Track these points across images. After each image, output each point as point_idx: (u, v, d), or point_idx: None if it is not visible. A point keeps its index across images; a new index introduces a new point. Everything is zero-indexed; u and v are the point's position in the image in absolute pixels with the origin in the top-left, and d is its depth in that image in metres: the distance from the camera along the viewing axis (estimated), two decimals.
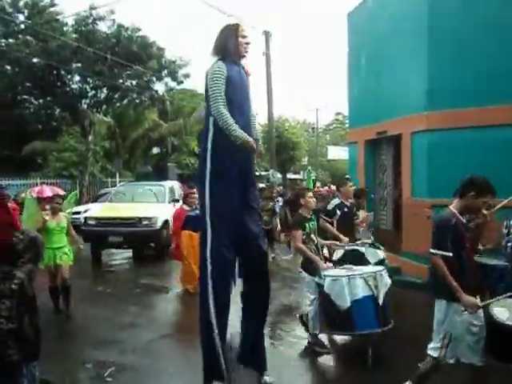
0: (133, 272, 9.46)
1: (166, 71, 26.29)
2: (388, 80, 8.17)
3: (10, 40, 22.04)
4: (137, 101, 26.67)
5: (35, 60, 22.04)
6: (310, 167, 21.25)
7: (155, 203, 10.66)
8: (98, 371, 4.17)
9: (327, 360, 4.49)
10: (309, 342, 4.60)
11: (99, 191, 19.42)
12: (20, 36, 22.00)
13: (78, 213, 15.95)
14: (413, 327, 4.77)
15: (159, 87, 28.07)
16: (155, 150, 28.24)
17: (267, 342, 5.04)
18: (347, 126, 13.09)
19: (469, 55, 6.74)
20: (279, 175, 26.09)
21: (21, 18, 22.89)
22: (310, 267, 4.53)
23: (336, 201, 5.88)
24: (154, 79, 26.26)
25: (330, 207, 5.88)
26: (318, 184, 22.09)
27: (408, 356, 3.77)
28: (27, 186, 16.21)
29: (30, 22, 22.08)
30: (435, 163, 7.01)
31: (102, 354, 4.57)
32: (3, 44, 21.68)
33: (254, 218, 3.69)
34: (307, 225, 4.60)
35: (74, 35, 22.53)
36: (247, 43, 3.61)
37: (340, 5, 20.74)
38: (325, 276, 4.22)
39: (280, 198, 13.29)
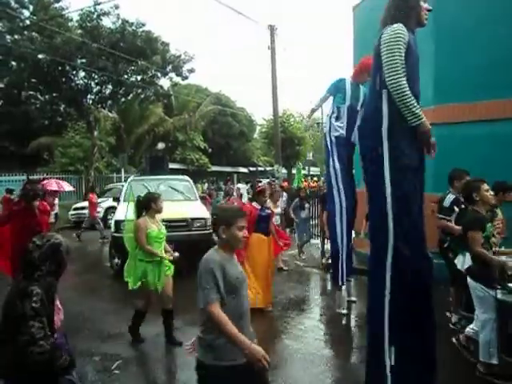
0: None
1: (170, 66, 26.26)
2: None
3: (16, 36, 22.08)
4: (141, 96, 26.70)
5: (40, 56, 22.07)
6: (299, 163, 20.67)
7: (189, 201, 9.12)
8: (105, 364, 4.21)
9: (334, 353, 4.51)
10: (479, 371, 3.69)
11: (104, 186, 19.53)
12: (25, 32, 22.02)
13: (83, 208, 16.11)
14: None
15: (164, 82, 28.10)
16: (160, 146, 28.31)
17: (273, 335, 5.08)
18: None
19: (476, 48, 6.68)
20: (284, 170, 26.07)
21: (26, 13, 22.91)
22: (489, 279, 3.62)
23: (451, 196, 5.05)
24: (159, 74, 26.24)
25: (446, 204, 5.04)
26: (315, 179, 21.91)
27: None
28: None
29: (34, 17, 22.09)
30: (442, 157, 6.95)
31: (110, 347, 4.62)
32: (8, 40, 21.72)
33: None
34: (487, 225, 3.78)
35: (79, 31, 22.54)
36: (428, 10, 3.02)
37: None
38: None
39: (284, 194, 13.20)
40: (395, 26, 2.83)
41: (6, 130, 21.59)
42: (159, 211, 4.63)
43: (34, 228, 5.20)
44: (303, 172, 38.96)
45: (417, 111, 2.73)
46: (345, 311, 5.66)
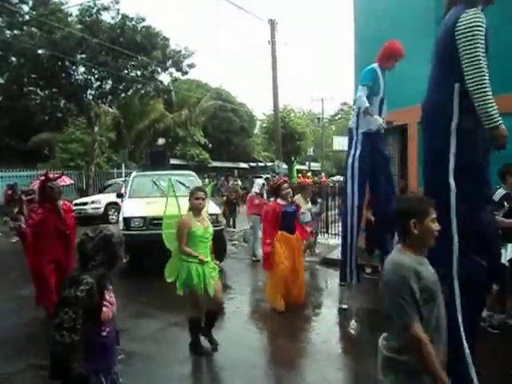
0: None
1: (170, 61, 26.20)
2: (395, 69, 8.08)
3: (15, 31, 22.03)
4: (142, 91, 26.66)
5: (40, 51, 22.04)
6: (292, 158, 20.29)
7: None
8: None
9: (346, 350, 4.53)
10: None
11: (105, 182, 19.54)
12: (24, 27, 21.97)
13: (85, 203, 16.13)
14: None
15: (164, 78, 28.04)
16: (160, 141, 28.30)
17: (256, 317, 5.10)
18: None
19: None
20: (285, 166, 26.08)
21: (25, 8, 22.85)
22: None
23: (501, 191, 4.87)
24: (159, 70, 26.20)
25: (495, 198, 4.83)
26: (322, 174, 21.89)
27: None
28: (33, 177, 16.31)
29: (34, 12, 22.02)
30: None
31: None
32: (8, 35, 21.67)
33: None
34: None
35: (79, 26, 22.48)
36: None
37: None
38: None
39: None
40: (473, 13, 2.59)
41: (6, 125, 21.58)
42: (195, 208, 4.14)
43: (64, 231, 4.91)
44: (303, 167, 39.06)
45: (495, 114, 2.61)
46: (346, 306, 5.64)
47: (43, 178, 4.95)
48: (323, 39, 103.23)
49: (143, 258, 7.73)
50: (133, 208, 7.81)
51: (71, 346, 2.02)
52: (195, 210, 4.12)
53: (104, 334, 2.23)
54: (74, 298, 2.06)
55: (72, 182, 17.80)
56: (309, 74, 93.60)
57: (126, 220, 7.51)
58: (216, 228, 7.38)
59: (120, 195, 9.70)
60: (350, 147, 5.28)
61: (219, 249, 7.67)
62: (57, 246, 4.85)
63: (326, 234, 11.28)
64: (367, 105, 5.00)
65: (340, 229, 7.26)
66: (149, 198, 8.13)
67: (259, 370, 3.95)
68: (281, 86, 18.77)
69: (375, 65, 5.36)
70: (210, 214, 7.46)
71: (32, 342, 4.62)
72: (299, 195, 7.51)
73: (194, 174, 9.88)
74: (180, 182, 8.77)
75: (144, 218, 7.38)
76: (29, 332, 4.89)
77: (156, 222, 7.20)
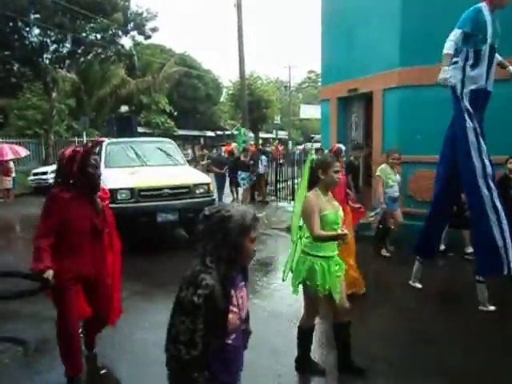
0: None
1: (132, 24, 25.03)
2: (361, 37, 8.05)
3: None
4: (102, 56, 25.44)
5: None
6: (239, 125, 18.95)
7: (180, 166, 8.34)
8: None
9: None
10: None
11: None
12: None
13: (45, 173, 15.54)
14: None
15: (126, 42, 26.85)
16: (123, 108, 27.37)
17: None
18: (319, 84, 12.93)
19: (441, 12, 6.66)
20: (251, 134, 25.91)
21: None
22: None
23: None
24: (120, 33, 25.00)
25: None
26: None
27: None
28: None
29: None
30: (407, 120, 7.08)
31: None
32: None
33: None
34: None
35: None
36: None
37: None
38: None
39: (264, 157, 12.85)
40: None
41: None
42: (331, 184, 3.17)
43: (101, 232, 3.28)
44: (270, 135, 38.94)
45: None
46: (419, 285, 5.07)
47: (81, 151, 3.05)
48: (291, 5, 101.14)
49: (130, 232, 6.47)
50: (117, 179, 7.08)
51: (190, 364, 1.64)
52: (330, 185, 3.17)
53: (229, 341, 1.78)
54: (190, 303, 1.63)
55: (28, 153, 17.02)
56: (276, 41, 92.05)
57: (111, 192, 6.91)
58: (208, 198, 7.32)
59: None
60: (457, 111, 4.44)
61: None
62: (89, 254, 3.17)
63: (292, 202, 11.41)
64: (448, 51, 4.28)
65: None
66: (130, 168, 7.59)
67: None
68: (247, 52, 18.35)
69: (482, 4, 4.28)
70: (202, 184, 7.42)
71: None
72: (385, 165, 6.33)
73: (172, 141, 9.27)
74: (161, 150, 8.50)
75: (131, 190, 6.82)
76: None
77: (144, 193, 6.91)
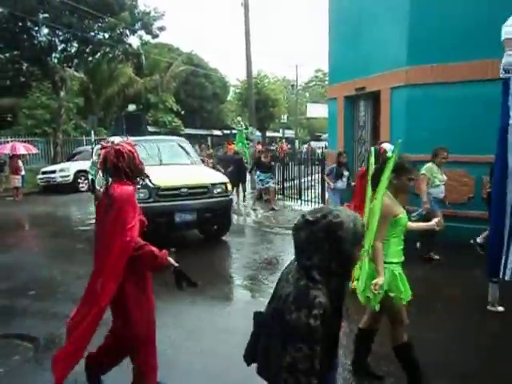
0: None
1: (139, 23, 25.10)
2: (368, 36, 8.03)
3: None
4: (110, 55, 25.55)
5: None
6: (239, 119, 18.24)
7: (196, 165, 8.20)
8: None
9: None
10: None
11: (74, 149, 18.99)
12: None
13: (53, 172, 15.68)
14: None
15: (133, 41, 26.95)
16: (131, 107, 27.48)
17: (249, 293, 5.19)
18: (327, 83, 12.90)
19: (449, 11, 6.64)
20: (258, 133, 25.91)
21: None
22: None
23: None
24: (128, 32, 25.09)
25: None
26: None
27: None
28: None
29: None
30: (414, 119, 7.05)
31: None
32: None
33: None
34: None
35: None
36: None
37: None
38: None
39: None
40: None
41: None
42: (402, 190, 3.04)
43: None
44: (277, 135, 38.88)
45: None
46: (501, 309, 4.39)
47: (130, 147, 2.82)
48: (298, 4, 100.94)
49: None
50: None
51: None
52: (399, 191, 3.02)
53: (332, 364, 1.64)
54: (305, 327, 1.42)
55: (37, 151, 17.31)
56: (283, 40, 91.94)
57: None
58: (226, 198, 7.31)
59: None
60: (503, 104, 3.99)
61: (227, 222, 7.63)
62: None
63: (299, 201, 11.42)
64: (507, 35, 3.86)
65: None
66: (146, 167, 7.41)
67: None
68: (254, 51, 18.33)
69: None
70: (219, 184, 7.32)
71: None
72: (431, 164, 5.99)
73: (185, 140, 9.14)
74: (175, 148, 8.25)
75: (149, 189, 6.58)
76: None
77: (162, 193, 6.73)
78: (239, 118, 17.97)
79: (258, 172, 10.94)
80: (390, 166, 2.88)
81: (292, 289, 1.49)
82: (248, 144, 14.70)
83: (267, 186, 10.84)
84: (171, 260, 2.63)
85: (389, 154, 4.59)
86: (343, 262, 1.48)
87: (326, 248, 1.46)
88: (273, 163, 11.41)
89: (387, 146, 5.42)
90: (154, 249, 2.61)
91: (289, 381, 1.44)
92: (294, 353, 1.43)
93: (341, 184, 7.92)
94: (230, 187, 7.65)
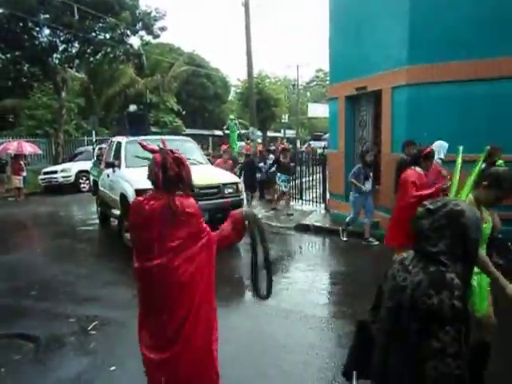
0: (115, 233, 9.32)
1: (140, 24, 25.11)
2: (369, 35, 8.02)
3: None
4: (111, 55, 25.58)
5: None
6: (232, 117, 17.79)
7: (204, 165, 8.11)
8: (82, 325, 4.23)
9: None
10: None
11: (75, 150, 19.03)
12: None
13: (55, 172, 15.70)
14: None
15: (134, 41, 26.97)
16: (132, 108, 27.52)
17: (249, 293, 5.19)
18: (328, 83, 12.88)
19: (449, 9, 6.63)
20: (259, 133, 25.90)
21: None
22: None
23: None
24: (129, 32, 25.10)
25: None
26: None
27: None
28: None
29: None
30: (415, 118, 7.04)
31: (86, 310, 4.63)
32: None
33: None
34: None
35: None
36: None
37: None
38: None
39: (272, 156, 12.70)
40: None
41: None
42: (485, 203, 2.77)
43: None
44: (278, 134, 38.89)
45: None
46: None
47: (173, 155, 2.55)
48: (299, 3, 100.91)
49: None
50: (142, 179, 6.65)
51: (462, 380, 1.41)
52: (482, 203, 2.75)
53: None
54: (451, 309, 1.41)
55: (40, 151, 17.39)
56: (284, 40, 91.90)
57: (140, 193, 6.39)
58: (237, 198, 7.21)
59: (111, 164, 7.91)
60: None
61: None
62: None
63: (300, 201, 11.42)
64: None
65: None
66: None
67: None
68: (255, 51, 18.31)
69: None
70: (230, 184, 7.24)
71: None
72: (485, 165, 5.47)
73: (191, 140, 9.02)
74: (182, 148, 7.82)
75: None
76: None
77: None
78: (232, 116, 17.84)
79: (278, 174, 10.59)
80: (477, 169, 2.82)
81: (422, 276, 1.50)
82: (249, 143, 14.68)
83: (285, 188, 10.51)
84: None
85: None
86: (468, 247, 1.52)
87: (450, 234, 1.51)
88: (292, 164, 11.03)
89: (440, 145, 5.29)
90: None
91: (439, 367, 1.40)
92: (443, 336, 1.40)
93: (368, 185, 7.47)
94: (241, 187, 7.54)
